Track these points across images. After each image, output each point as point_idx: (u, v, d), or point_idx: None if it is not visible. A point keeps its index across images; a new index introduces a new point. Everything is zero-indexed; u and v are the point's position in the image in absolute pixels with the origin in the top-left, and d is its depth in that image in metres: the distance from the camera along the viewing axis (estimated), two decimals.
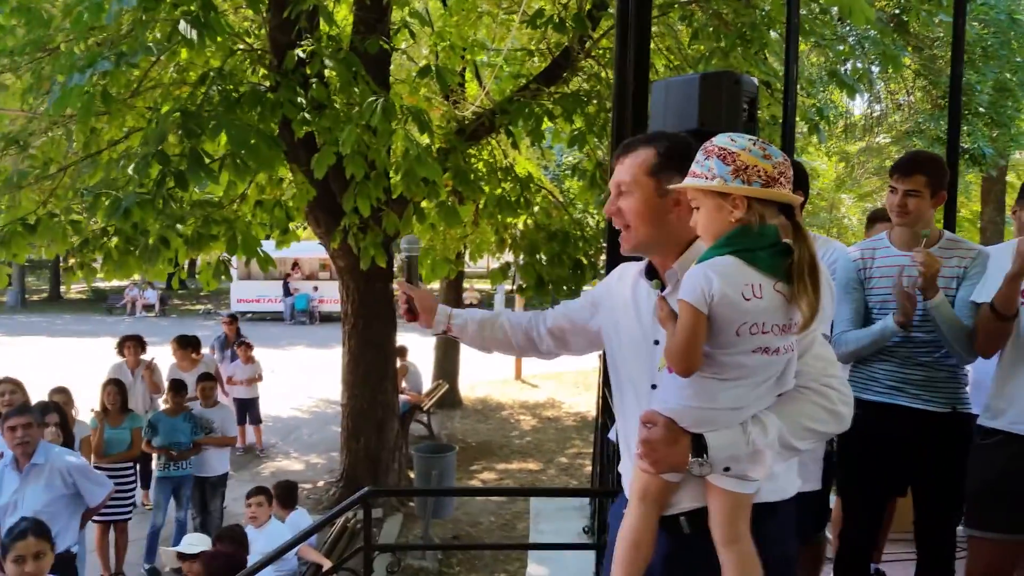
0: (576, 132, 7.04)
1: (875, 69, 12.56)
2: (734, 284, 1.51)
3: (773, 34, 7.10)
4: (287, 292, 26.08)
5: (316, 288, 26.25)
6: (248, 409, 10.31)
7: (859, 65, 9.13)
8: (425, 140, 6.69)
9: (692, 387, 1.58)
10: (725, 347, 1.55)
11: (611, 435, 3.57)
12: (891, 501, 3.24)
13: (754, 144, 1.56)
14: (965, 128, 12.08)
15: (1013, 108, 12.98)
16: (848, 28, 9.89)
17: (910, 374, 2.89)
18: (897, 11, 10.71)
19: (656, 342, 1.74)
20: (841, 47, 8.85)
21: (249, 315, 24.87)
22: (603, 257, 8.06)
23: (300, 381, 15.04)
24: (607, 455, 3.86)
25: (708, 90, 3.87)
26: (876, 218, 3.70)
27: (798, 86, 5.81)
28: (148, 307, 27.50)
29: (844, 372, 3.03)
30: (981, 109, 11.80)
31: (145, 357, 8.10)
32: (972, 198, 19.78)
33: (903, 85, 14.57)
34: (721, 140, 1.59)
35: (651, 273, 1.83)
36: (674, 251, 1.76)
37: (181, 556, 4.93)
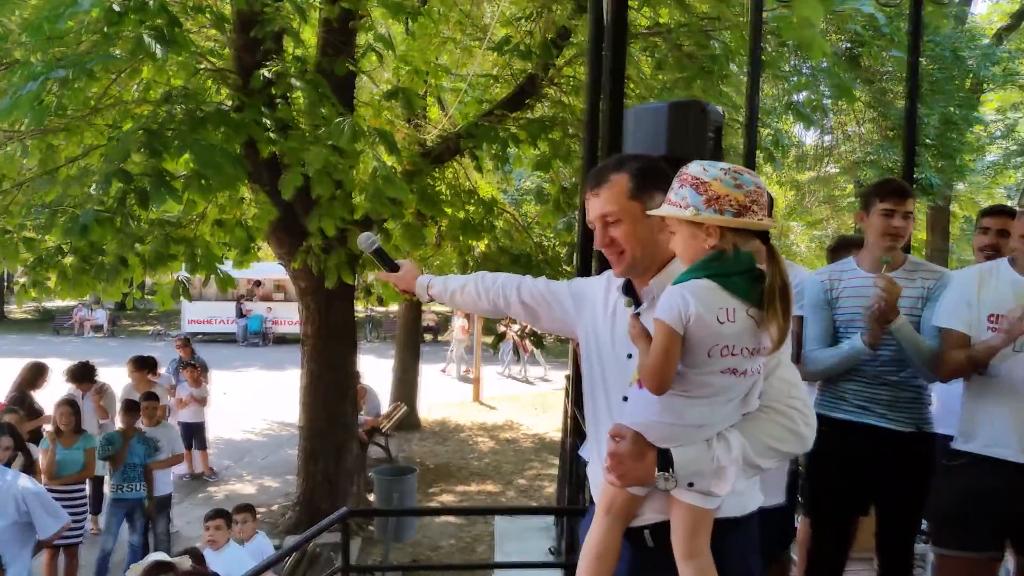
0: (541, 157, 7.12)
1: (827, 101, 12.96)
2: (709, 307, 1.56)
3: (732, 66, 7.30)
4: (240, 313, 25.64)
5: (270, 309, 25.86)
6: (194, 434, 10.04)
7: (812, 97, 9.40)
8: (391, 162, 6.70)
9: (660, 403, 1.62)
10: (695, 367, 1.59)
11: (582, 452, 3.60)
12: (856, 519, 3.31)
13: (726, 173, 1.59)
14: (917, 159, 12.48)
15: (958, 140, 13.48)
16: (802, 61, 10.21)
17: (877, 393, 2.95)
18: (848, 45, 11.08)
19: (629, 356, 1.79)
20: (795, 79, 9.10)
21: (200, 336, 24.38)
22: (558, 277, 8.17)
23: (253, 403, 14.78)
24: (577, 474, 3.87)
25: (676, 118, 3.96)
26: (841, 246, 3.79)
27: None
28: (96, 328, 26.77)
29: (812, 392, 3.12)
30: (928, 141, 12.21)
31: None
32: (918, 227, 20.40)
33: (853, 116, 15.02)
34: (694, 169, 1.62)
35: (627, 289, 1.88)
36: (654, 270, 1.81)
37: (153, 571, 4.75)
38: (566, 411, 5.04)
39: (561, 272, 7.97)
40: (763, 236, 1.62)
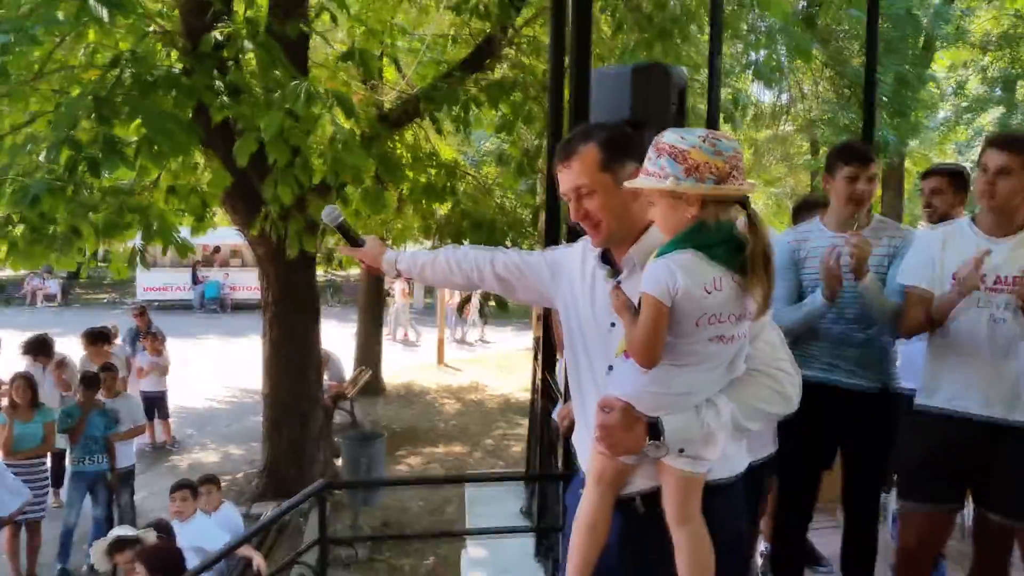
0: (503, 119, 7.05)
1: (783, 60, 13.00)
2: (696, 279, 1.55)
3: (692, 27, 7.27)
4: (195, 280, 25.21)
5: (227, 275, 25.45)
6: (155, 404, 9.90)
7: (772, 56, 9.41)
8: (348, 126, 6.58)
9: (649, 373, 1.62)
10: (683, 336, 1.59)
11: (556, 415, 3.63)
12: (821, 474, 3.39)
13: (704, 140, 1.56)
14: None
15: (912, 98, 13.64)
16: (758, 19, 10.21)
17: (844, 352, 3.01)
18: (805, 3, 11.10)
19: (612, 325, 1.78)
20: (754, 38, 9.10)
21: (156, 304, 23.96)
22: (527, 244, 8.16)
23: (214, 371, 14.62)
24: (548, 437, 3.91)
25: (640, 82, 3.94)
26: (804, 206, 3.83)
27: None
28: (49, 297, 26.12)
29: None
30: (884, 99, 12.34)
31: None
32: None
33: (809, 75, 15.11)
34: (671, 138, 1.59)
35: (605, 259, 1.86)
36: (632, 238, 1.80)
37: (117, 546, 4.73)
38: (535, 373, 5.08)
39: (524, 234, 7.96)
40: (743, 202, 1.61)
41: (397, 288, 18.88)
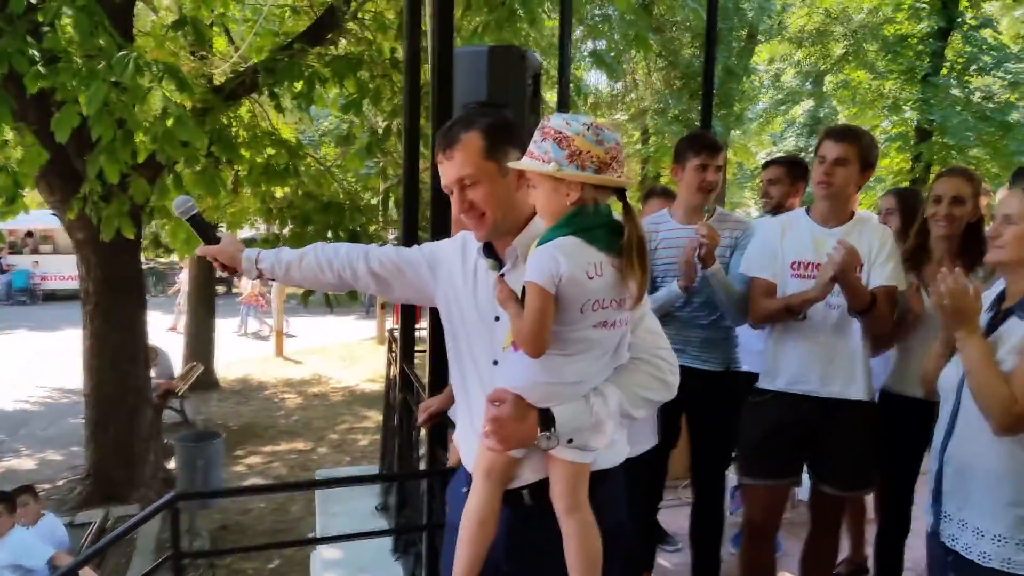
0: (349, 98, 6.74)
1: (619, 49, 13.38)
2: (578, 264, 1.56)
3: (539, 10, 7.26)
4: (1, 269, 22.87)
5: (37, 263, 23.23)
6: None
7: (612, 45, 9.64)
8: (180, 99, 6.07)
9: (539, 364, 1.61)
10: (569, 324, 1.60)
11: (451, 413, 3.50)
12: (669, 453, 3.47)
13: (588, 129, 1.59)
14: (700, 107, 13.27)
15: (736, 89, 14.44)
16: (595, 7, 10.42)
17: (690, 335, 3.11)
18: None
19: (496, 318, 1.76)
20: (597, 25, 9.28)
21: None
22: (373, 228, 7.90)
23: (26, 369, 13.33)
24: (409, 431, 3.77)
25: (496, 63, 3.87)
26: (652, 193, 3.89)
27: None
28: None
29: None
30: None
31: None
32: None
33: (642, 64, 15.64)
34: (556, 123, 1.60)
35: (487, 250, 1.82)
36: (515, 230, 1.78)
37: None
38: (389, 365, 4.91)
39: (373, 220, 7.70)
40: (619, 192, 1.64)
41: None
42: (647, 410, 1.78)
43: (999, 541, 2.01)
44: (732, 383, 3.16)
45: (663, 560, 3.83)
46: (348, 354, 15.72)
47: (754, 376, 3.01)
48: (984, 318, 2.14)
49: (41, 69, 5.11)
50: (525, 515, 1.77)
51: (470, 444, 1.82)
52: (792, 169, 3.82)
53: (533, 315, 1.56)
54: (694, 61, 13.95)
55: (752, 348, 3.23)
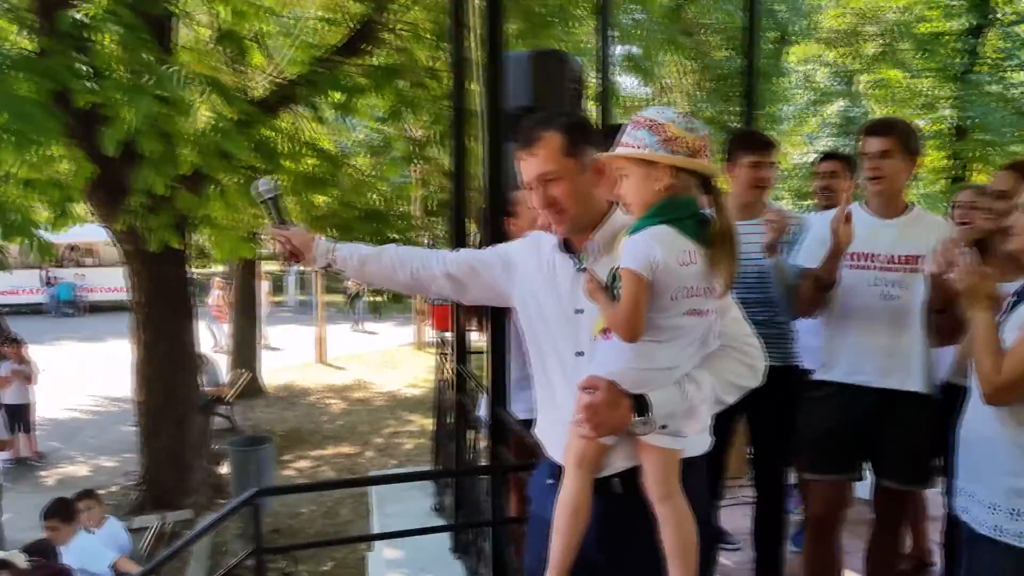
0: (391, 107, 6.83)
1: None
2: (673, 252, 1.60)
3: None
4: (47, 282, 23.39)
5: (82, 276, 23.74)
6: (18, 416, 9.12)
7: (648, 49, 9.62)
8: (223, 112, 6.20)
9: (632, 350, 1.65)
10: (662, 310, 1.63)
11: (480, 413, 3.55)
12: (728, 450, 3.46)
13: (680, 117, 1.65)
14: (734, 109, 13.20)
15: (768, 90, 14.32)
16: (623, 12, 10.38)
17: None
18: None
19: (578, 311, 1.80)
20: (632, 30, 9.29)
21: (6, 309, 22.07)
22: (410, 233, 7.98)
23: (75, 379, 13.64)
24: (465, 431, 3.83)
25: (540, 67, 3.92)
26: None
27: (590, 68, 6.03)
28: None
29: None
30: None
31: None
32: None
33: (674, 68, 15.57)
34: (649, 112, 1.67)
35: (565, 245, 1.87)
36: (592, 225, 1.83)
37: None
38: (440, 368, 4.97)
39: (411, 226, 7.79)
40: (707, 184, 1.68)
41: (263, 289, 17.81)
42: (736, 396, 1.81)
43: (993, 510, 2.05)
44: (790, 377, 3.11)
45: (724, 559, 3.82)
46: (387, 360, 15.87)
47: (808, 373, 2.99)
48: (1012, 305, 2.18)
49: (89, 84, 5.25)
50: (615, 503, 1.79)
51: (557, 436, 1.84)
52: (849, 162, 3.82)
53: (629, 300, 1.60)
54: (725, 63, 13.89)
55: (810, 345, 3.20)
